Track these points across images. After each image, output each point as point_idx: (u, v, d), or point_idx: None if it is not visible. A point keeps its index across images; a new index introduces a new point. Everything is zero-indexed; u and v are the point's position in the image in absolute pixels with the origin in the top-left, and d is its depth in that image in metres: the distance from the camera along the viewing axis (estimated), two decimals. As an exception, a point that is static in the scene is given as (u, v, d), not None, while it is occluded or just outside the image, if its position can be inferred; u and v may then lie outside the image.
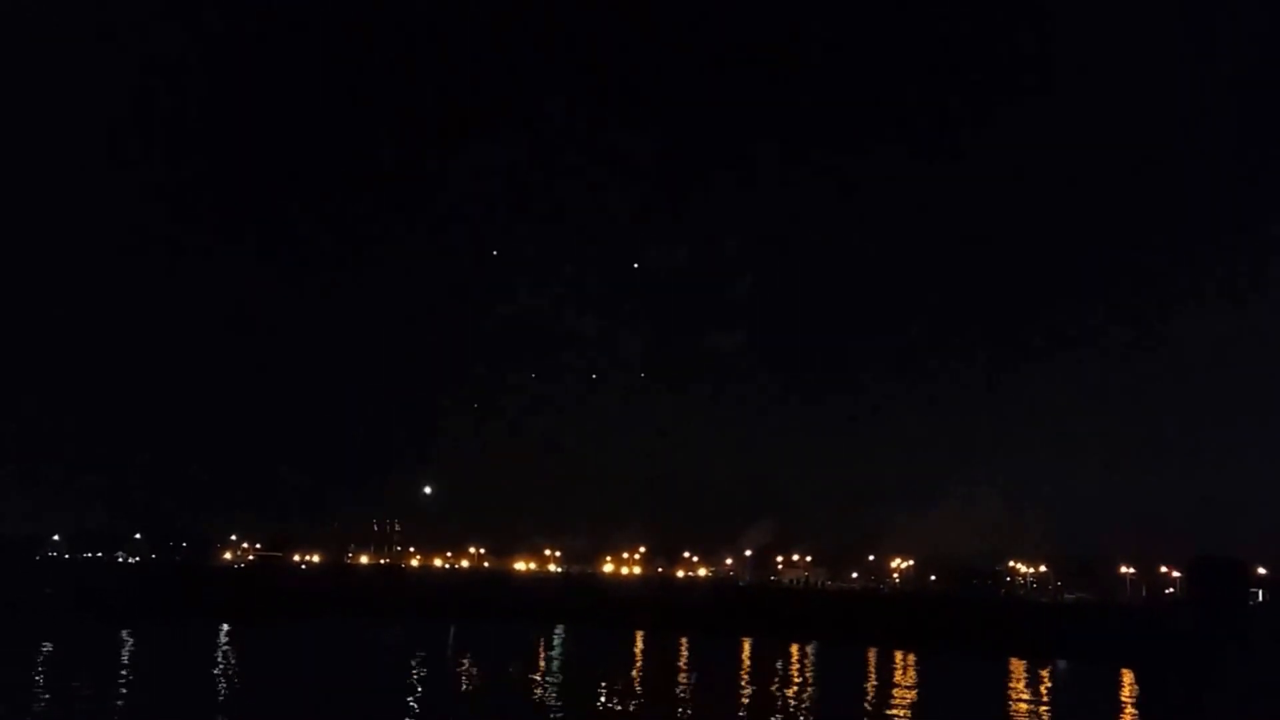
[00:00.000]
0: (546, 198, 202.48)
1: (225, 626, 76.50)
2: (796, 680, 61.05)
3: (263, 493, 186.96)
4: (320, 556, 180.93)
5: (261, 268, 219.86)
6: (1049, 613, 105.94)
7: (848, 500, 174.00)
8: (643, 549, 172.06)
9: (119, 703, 42.02)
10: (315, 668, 58.50)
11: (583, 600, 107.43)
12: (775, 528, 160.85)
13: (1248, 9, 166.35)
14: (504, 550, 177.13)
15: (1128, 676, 68.59)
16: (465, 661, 64.88)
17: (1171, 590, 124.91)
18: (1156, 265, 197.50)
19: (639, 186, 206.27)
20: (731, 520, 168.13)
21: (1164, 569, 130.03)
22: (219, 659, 58.63)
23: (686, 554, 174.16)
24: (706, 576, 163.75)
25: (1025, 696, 57.05)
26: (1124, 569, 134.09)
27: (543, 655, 70.61)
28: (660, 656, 71.13)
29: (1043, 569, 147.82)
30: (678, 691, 52.75)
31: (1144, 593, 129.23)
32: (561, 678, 57.71)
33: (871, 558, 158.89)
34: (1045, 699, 57.16)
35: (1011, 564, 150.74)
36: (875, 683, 61.25)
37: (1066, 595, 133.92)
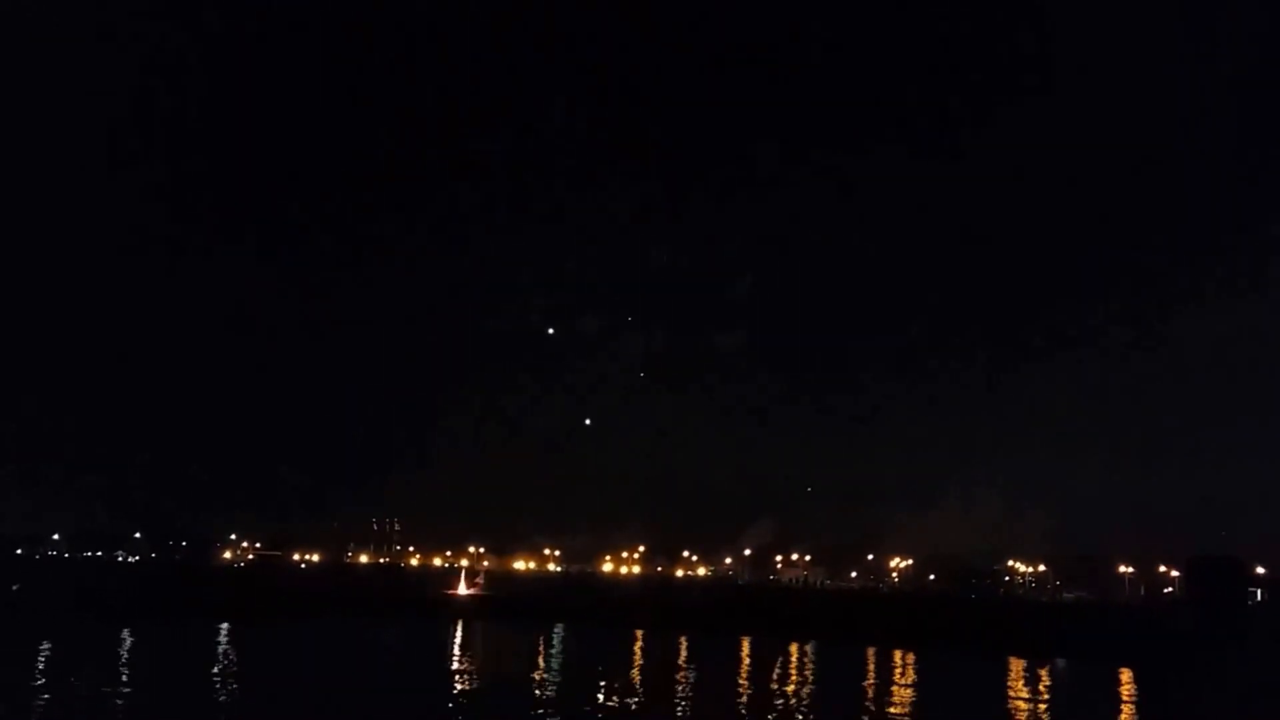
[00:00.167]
0: (546, 198, 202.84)
1: (225, 626, 76.54)
2: (795, 679, 61.12)
3: (263, 493, 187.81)
4: (320, 556, 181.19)
5: (261, 268, 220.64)
6: (1048, 612, 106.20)
7: (848, 500, 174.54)
8: (642, 548, 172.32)
9: (119, 702, 42.06)
10: (315, 667, 58.53)
11: (582, 599, 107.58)
12: (775, 527, 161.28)
13: (1248, 9, 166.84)
14: (504, 550, 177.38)
15: (1126, 675, 68.66)
16: (465, 661, 64.94)
17: (1170, 589, 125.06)
18: (1156, 265, 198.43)
19: (639, 186, 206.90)
20: (731, 520, 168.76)
21: (1163, 568, 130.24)
22: (219, 658, 58.67)
23: (686, 553, 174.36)
24: (706, 576, 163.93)
25: (1024, 695, 57.12)
26: (1123, 568, 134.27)
27: (542, 654, 70.67)
28: (660, 655, 71.19)
29: (1041, 568, 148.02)
30: (677, 690, 52.85)
31: (1143, 592, 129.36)
32: (561, 676, 57.81)
33: (871, 557, 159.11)
34: (1044, 698, 57.23)
35: (1010, 563, 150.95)
36: (874, 682, 61.30)
37: (1065, 594, 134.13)
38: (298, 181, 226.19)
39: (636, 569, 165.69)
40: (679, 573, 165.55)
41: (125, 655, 58.79)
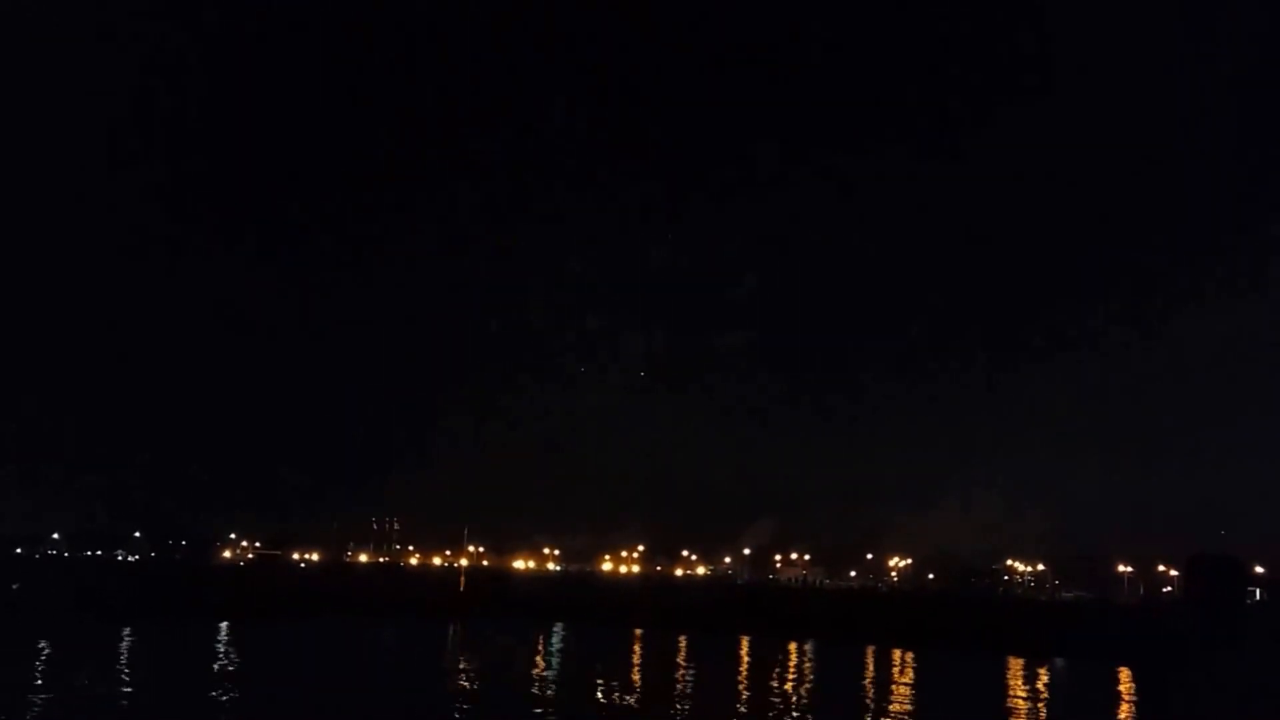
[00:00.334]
0: (546, 198, 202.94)
1: (225, 625, 76.62)
2: (794, 678, 61.20)
3: (263, 492, 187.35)
4: (320, 555, 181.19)
5: (261, 268, 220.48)
6: (1047, 611, 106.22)
7: (847, 500, 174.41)
8: (642, 548, 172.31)
9: (119, 702, 42.11)
10: (315, 667, 58.60)
11: (582, 598, 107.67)
12: (774, 527, 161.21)
13: (1248, 9, 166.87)
14: (504, 550, 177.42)
15: (1125, 675, 68.77)
16: (465, 660, 65.03)
17: (1169, 589, 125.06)
18: (1156, 265, 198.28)
19: (639, 186, 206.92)
20: (731, 520, 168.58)
21: (1162, 568, 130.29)
22: (219, 658, 58.74)
23: (685, 553, 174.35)
24: (705, 575, 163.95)
25: (1023, 694, 57.23)
26: (1122, 568, 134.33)
27: (542, 653, 70.75)
28: (659, 654, 71.28)
29: (1040, 567, 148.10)
30: (676, 688, 52.94)
31: (1142, 591, 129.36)
32: (561, 675, 57.89)
33: (870, 556, 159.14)
34: (1043, 697, 57.33)
35: (1009, 562, 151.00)
36: (873, 681, 61.40)
37: (1064, 594, 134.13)
38: (298, 181, 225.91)
39: (636, 568, 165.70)
40: (678, 572, 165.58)
41: (125, 655, 58.86)
